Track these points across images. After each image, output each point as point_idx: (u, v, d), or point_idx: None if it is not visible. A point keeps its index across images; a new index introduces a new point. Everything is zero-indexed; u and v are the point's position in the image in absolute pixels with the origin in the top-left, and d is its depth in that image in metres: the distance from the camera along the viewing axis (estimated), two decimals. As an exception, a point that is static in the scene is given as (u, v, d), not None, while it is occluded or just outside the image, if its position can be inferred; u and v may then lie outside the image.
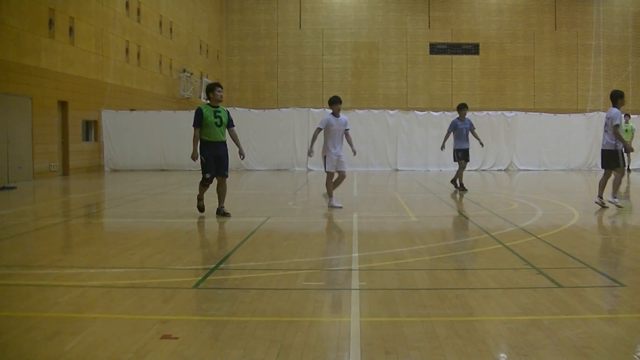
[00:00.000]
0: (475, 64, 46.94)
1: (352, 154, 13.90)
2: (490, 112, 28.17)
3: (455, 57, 46.78)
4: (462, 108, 17.65)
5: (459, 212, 13.78)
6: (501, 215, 12.63)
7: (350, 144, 13.58)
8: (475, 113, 27.53)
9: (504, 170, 27.12)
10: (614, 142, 13.31)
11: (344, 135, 13.39)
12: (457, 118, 17.72)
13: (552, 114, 28.92)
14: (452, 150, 17.81)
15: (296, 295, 6.39)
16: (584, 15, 46.85)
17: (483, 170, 26.74)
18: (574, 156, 27.56)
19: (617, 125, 13.10)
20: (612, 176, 13.55)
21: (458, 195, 16.60)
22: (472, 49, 47.03)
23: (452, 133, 17.72)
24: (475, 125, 18.35)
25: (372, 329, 5.30)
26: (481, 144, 18.10)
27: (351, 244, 9.33)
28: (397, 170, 26.81)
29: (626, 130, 25.29)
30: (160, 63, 33.57)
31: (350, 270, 7.54)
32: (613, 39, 46.77)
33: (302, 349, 4.79)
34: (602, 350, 4.74)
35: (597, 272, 7.42)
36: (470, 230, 10.95)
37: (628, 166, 25.18)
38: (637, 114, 30.45)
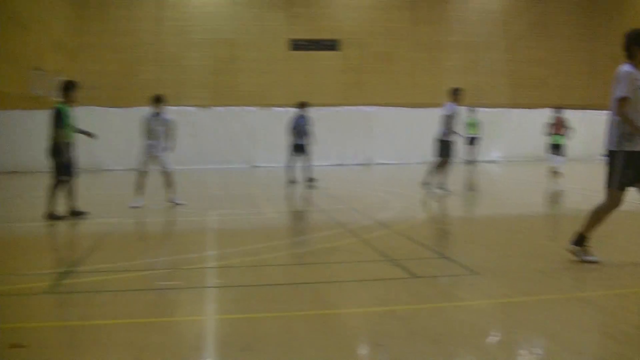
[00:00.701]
0: (336, 60, 47.50)
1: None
2: (350, 107, 28.54)
3: (315, 53, 47.19)
4: (303, 105, 18.54)
5: (316, 207, 13.86)
6: (358, 209, 12.83)
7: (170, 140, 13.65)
8: (337, 108, 27.91)
9: (363, 164, 27.44)
10: (444, 132, 14.68)
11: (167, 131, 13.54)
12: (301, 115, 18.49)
13: (411, 108, 29.54)
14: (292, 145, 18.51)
15: (151, 295, 6.29)
16: (442, 12, 48.28)
17: (342, 165, 26.96)
18: (431, 149, 28.15)
19: (449, 116, 14.12)
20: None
21: (311, 189, 16.77)
22: (333, 45, 47.58)
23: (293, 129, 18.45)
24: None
25: (229, 327, 5.29)
26: (314, 141, 18.90)
27: (207, 242, 9.26)
28: (255, 166, 26.70)
29: (472, 124, 26.27)
30: (10, 60, 32.18)
31: (206, 268, 7.48)
32: (469, 34, 48.45)
33: (159, 350, 4.73)
34: (455, 336, 4.91)
35: (452, 262, 7.64)
36: (327, 225, 10.98)
37: (474, 158, 26.12)
38: (492, 107, 31.66)
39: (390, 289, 6.39)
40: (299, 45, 46.96)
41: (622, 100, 6.86)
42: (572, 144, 26.79)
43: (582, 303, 5.73)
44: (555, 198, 15.51)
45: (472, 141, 26.13)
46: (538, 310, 5.57)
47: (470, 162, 25.79)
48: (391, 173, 23.23)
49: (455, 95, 15.04)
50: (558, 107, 21.49)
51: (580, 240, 7.21)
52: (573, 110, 30.05)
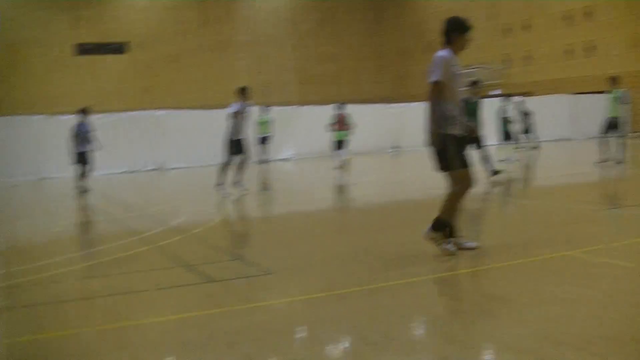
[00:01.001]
0: (125, 64, 46.45)
1: None
2: (140, 112, 27.85)
3: (103, 57, 45.86)
4: (84, 111, 18.03)
5: (109, 216, 13.46)
6: (152, 215, 12.63)
7: None
8: (127, 113, 27.23)
9: (156, 169, 26.86)
10: (232, 132, 14.92)
11: None
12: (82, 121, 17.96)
13: (203, 110, 29.22)
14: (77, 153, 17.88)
15: None
16: (232, 11, 48.44)
17: (134, 171, 26.28)
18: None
19: (236, 115, 14.36)
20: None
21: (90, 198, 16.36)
22: (121, 48, 46.44)
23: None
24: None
25: (17, 351, 4.99)
26: (97, 148, 18.41)
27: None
28: (44, 178, 25.29)
29: (263, 123, 26.56)
30: None
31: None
32: (261, 34, 48.93)
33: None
34: (252, 338, 4.91)
35: (248, 263, 7.66)
36: (121, 234, 10.65)
37: (267, 157, 26.44)
38: (283, 105, 32.13)
39: (187, 295, 6.33)
40: (85, 49, 45.37)
41: (435, 85, 6.96)
42: (363, 137, 27.86)
43: (378, 294, 5.91)
44: (343, 191, 16.01)
45: (264, 140, 26.41)
46: (336, 305, 5.69)
47: (263, 162, 26.08)
48: (185, 177, 23.03)
49: (243, 94, 15.13)
50: (341, 103, 22.20)
51: (439, 227, 7.16)
52: (363, 105, 31.22)
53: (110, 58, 45.95)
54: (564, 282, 5.94)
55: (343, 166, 20.27)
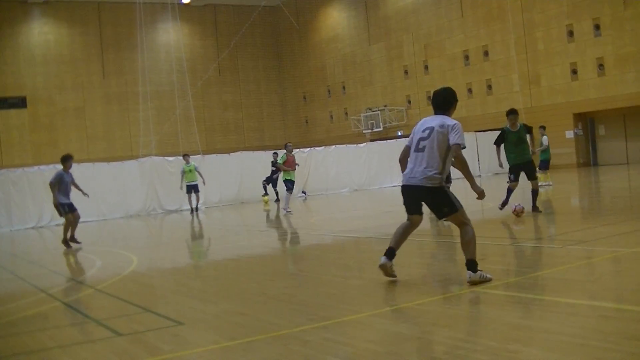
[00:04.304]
0: (24, 118, 45.49)
1: None
2: (41, 167, 27.12)
3: (1, 112, 44.80)
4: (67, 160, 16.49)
5: (14, 274, 12.98)
6: (59, 271, 12.37)
7: None
8: (26, 169, 26.60)
9: (59, 225, 25.71)
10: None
11: None
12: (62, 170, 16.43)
13: (106, 163, 28.83)
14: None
15: None
16: (131, 62, 48.14)
17: (40, 227, 25.52)
18: (132, 202, 27.75)
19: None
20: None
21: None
22: (19, 103, 45.47)
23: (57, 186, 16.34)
24: (30, 182, 17.85)
25: None
26: (85, 194, 17.45)
27: None
28: None
29: (189, 171, 26.47)
30: None
31: None
32: (160, 84, 48.73)
33: None
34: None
35: (157, 315, 7.58)
36: (26, 292, 10.32)
37: (196, 207, 26.35)
38: (192, 154, 31.99)
39: (96, 351, 6.22)
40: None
41: (460, 148, 7.64)
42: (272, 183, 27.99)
43: (282, 340, 5.94)
44: (262, 239, 16.05)
45: (191, 188, 26.43)
46: (244, 353, 5.69)
47: (192, 210, 26.15)
48: (93, 230, 22.56)
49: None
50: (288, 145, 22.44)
51: (473, 267, 7.52)
52: (268, 152, 31.34)
53: (9, 112, 44.96)
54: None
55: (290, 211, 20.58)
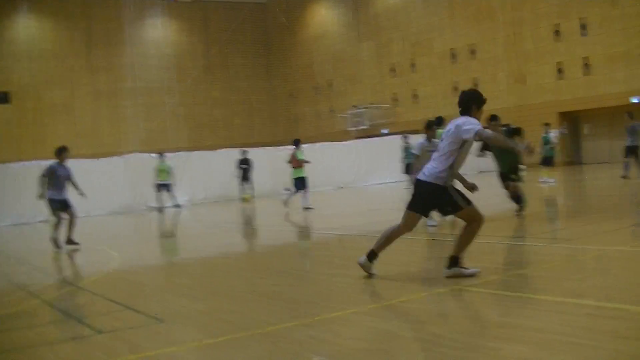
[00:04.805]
0: (9, 114, 45.20)
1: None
2: (26, 163, 26.84)
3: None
4: (62, 152, 15.41)
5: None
6: (40, 268, 12.24)
7: None
8: (11, 165, 26.42)
9: (43, 221, 24.47)
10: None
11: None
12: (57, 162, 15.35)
13: (94, 159, 28.54)
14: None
15: None
16: (120, 58, 47.95)
17: (24, 224, 25.15)
18: (116, 199, 27.36)
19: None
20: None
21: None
22: (4, 98, 45.18)
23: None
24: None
25: None
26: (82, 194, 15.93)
27: None
28: None
29: (162, 170, 26.24)
30: None
31: None
32: (149, 80, 48.56)
33: None
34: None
35: (137, 312, 7.48)
36: (6, 289, 10.17)
37: (163, 204, 26.10)
38: (175, 151, 31.86)
39: (78, 348, 6.13)
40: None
41: (476, 137, 7.36)
42: (258, 181, 27.95)
43: (268, 337, 5.87)
44: (249, 236, 15.99)
45: (162, 187, 26.11)
46: (227, 350, 5.62)
47: (159, 209, 25.81)
48: (76, 227, 22.30)
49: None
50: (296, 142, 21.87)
51: (454, 263, 7.55)
52: (256, 148, 31.21)
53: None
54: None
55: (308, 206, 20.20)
